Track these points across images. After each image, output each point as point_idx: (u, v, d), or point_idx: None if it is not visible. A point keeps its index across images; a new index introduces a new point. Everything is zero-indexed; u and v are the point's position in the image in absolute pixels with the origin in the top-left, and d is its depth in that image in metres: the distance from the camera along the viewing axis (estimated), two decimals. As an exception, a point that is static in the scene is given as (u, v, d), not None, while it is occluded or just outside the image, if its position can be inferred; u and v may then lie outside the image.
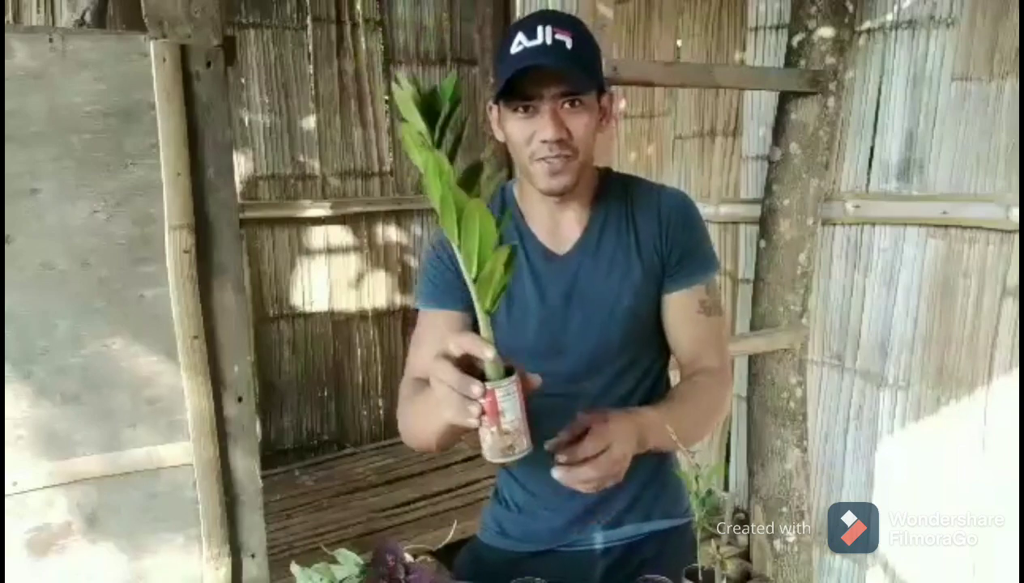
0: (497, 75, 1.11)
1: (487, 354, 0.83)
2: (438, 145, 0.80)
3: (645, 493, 1.27)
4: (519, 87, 1.07)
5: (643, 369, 1.25)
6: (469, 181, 0.78)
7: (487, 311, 0.83)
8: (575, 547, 1.28)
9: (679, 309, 1.21)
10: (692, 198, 1.26)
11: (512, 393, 0.83)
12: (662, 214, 1.20)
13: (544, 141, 1.08)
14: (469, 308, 1.18)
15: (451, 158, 0.78)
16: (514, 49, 1.07)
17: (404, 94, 0.80)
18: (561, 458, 0.92)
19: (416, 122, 0.79)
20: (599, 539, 1.28)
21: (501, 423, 0.83)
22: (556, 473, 0.93)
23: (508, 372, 0.84)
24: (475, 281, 0.81)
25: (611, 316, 1.19)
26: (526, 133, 1.10)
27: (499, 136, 1.17)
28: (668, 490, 1.31)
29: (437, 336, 1.18)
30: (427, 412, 1.03)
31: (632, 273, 1.20)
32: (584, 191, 1.21)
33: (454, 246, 0.80)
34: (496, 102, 1.13)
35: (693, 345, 1.22)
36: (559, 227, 1.22)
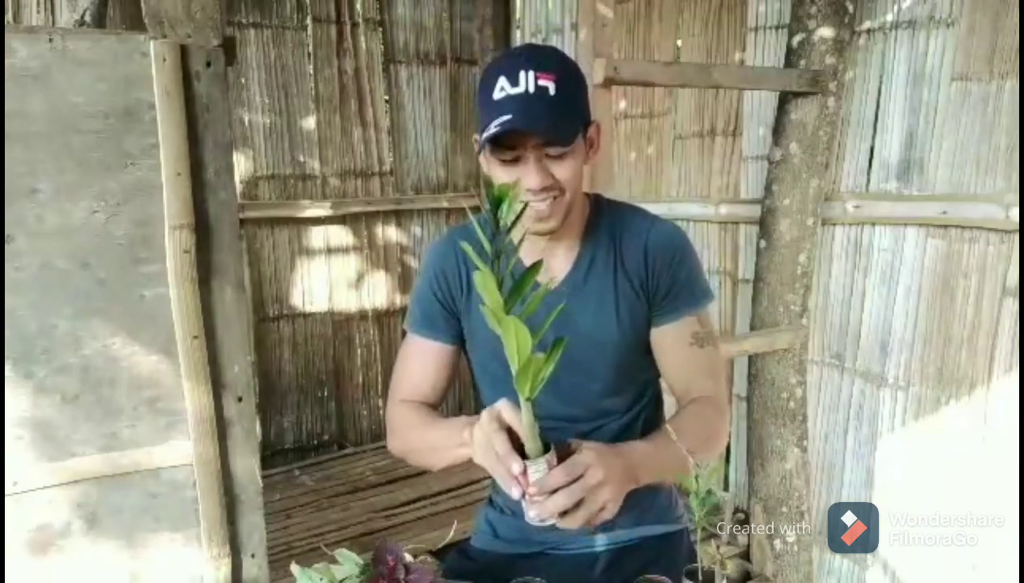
0: (480, 119, 1.10)
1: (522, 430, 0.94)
2: (496, 258, 0.88)
3: (638, 497, 1.27)
4: (503, 140, 1.07)
5: (631, 399, 1.26)
6: (522, 284, 0.88)
7: (528, 398, 0.90)
8: (565, 550, 1.28)
9: (670, 342, 1.21)
10: (684, 231, 1.25)
11: (542, 470, 0.91)
12: (648, 250, 1.19)
13: (529, 189, 1.07)
14: (457, 340, 1.28)
15: (510, 257, 0.90)
16: (496, 95, 1.06)
17: (486, 278, 0.87)
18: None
19: (496, 300, 0.87)
20: (590, 542, 1.28)
21: (531, 494, 0.92)
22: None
23: (547, 447, 0.93)
24: (517, 374, 0.89)
25: (598, 352, 1.20)
26: (511, 179, 1.08)
27: (487, 170, 1.16)
28: (661, 495, 1.31)
29: (424, 363, 1.29)
30: (440, 448, 1.13)
31: (619, 309, 1.19)
32: (574, 224, 1.20)
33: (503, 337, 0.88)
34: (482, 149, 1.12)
35: (686, 377, 1.21)
36: (549, 262, 1.20)
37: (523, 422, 0.91)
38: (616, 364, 1.21)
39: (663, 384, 1.30)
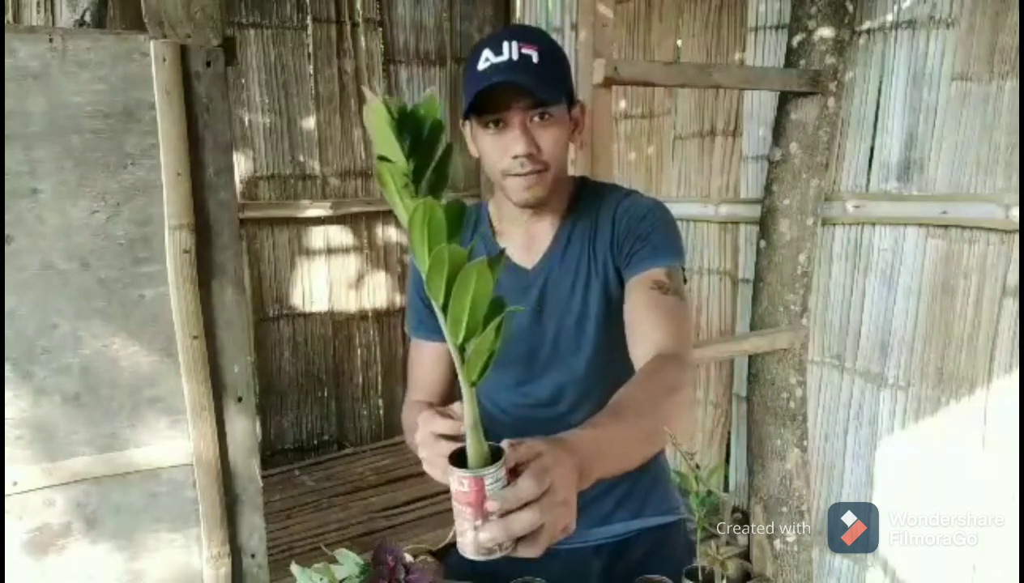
0: (465, 92, 1.12)
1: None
2: (417, 182, 0.63)
3: (635, 489, 1.28)
4: (488, 103, 1.09)
5: (618, 384, 1.23)
6: (452, 224, 0.62)
7: (472, 384, 0.66)
8: (567, 545, 1.28)
9: (632, 292, 1.13)
10: (668, 205, 1.22)
11: (500, 480, 0.66)
12: (616, 216, 1.19)
13: (515, 156, 1.09)
14: None
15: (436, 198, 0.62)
16: (481, 65, 1.08)
17: (378, 116, 0.61)
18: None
19: (396, 156, 0.61)
20: (591, 536, 1.29)
21: (490, 513, 0.66)
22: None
23: (496, 455, 0.67)
24: (460, 350, 0.65)
25: (580, 327, 1.20)
26: (498, 148, 1.11)
27: (474, 152, 1.18)
28: (658, 486, 1.32)
29: (422, 363, 1.31)
30: None
31: (595, 281, 1.20)
32: (557, 203, 1.22)
33: (436, 306, 0.64)
34: (467, 118, 1.14)
35: (644, 326, 1.08)
36: (532, 241, 1.22)
37: (466, 420, 0.67)
38: (596, 339, 1.20)
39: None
